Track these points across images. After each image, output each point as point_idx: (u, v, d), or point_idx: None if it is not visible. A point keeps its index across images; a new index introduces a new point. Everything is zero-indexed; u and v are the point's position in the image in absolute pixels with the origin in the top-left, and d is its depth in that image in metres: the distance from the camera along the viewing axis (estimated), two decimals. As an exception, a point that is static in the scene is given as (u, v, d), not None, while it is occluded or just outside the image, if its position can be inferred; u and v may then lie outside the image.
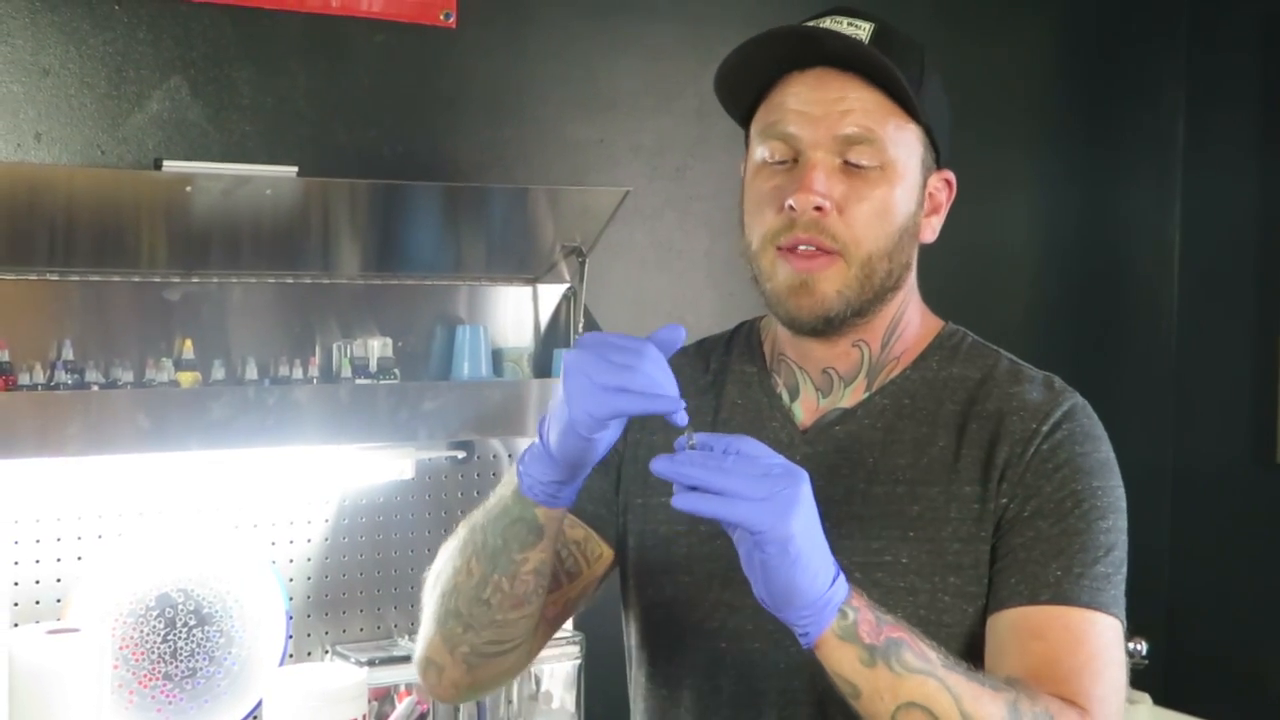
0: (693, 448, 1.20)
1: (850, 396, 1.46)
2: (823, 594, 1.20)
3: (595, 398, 1.21)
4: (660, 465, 1.18)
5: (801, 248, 1.37)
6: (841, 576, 1.22)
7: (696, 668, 1.45)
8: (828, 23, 1.40)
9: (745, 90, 1.43)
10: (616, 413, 1.21)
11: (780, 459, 1.20)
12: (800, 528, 1.17)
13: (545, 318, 2.71)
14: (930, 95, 1.41)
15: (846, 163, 1.37)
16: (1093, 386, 1.52)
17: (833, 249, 1.37)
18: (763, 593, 1.20)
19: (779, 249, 1.38)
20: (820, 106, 1.37)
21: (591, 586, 1.53)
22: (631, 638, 1.55)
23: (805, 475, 1.19)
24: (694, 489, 1.17)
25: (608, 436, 1.25)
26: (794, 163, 1.39)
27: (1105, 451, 1.41)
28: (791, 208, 1.36)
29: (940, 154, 1.45)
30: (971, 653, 1.36)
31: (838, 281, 1.38)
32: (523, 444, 2.65)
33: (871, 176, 1.38)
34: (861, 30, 1.39)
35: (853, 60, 1.37)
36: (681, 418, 1.20)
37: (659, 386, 1.20)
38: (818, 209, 1.36)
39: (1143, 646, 2.85)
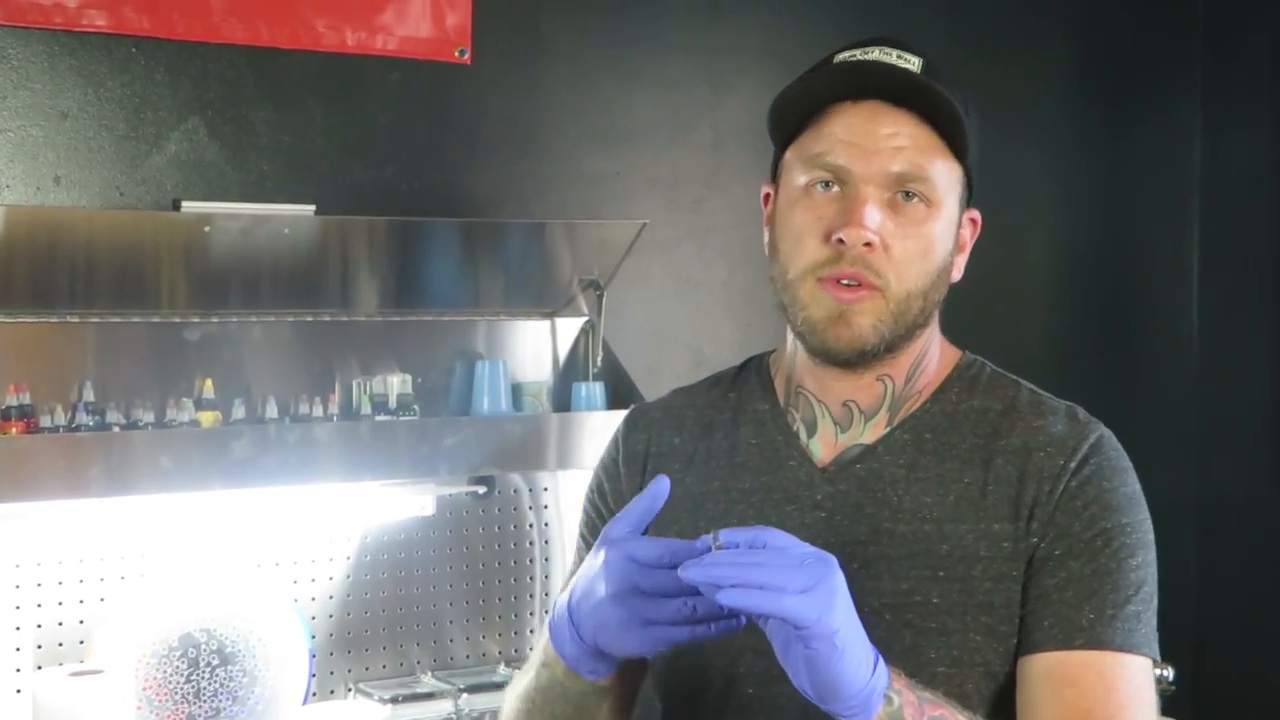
0: (719, 548, 1.17)
1: (871, 432, 1.44)
2: (867, 682, 1.18)
3: (640, 642, 1.22)
4: (692, 572, 1.15)
5: (845, 281, 1.35)
6: (881, 661, 1.21)
7: (724, 715, 1.43)
8: (876, 53, 1.37)
9: (792, 116, 1.40)
10: (670, 641, 1.22)
11: (810, 548, 1.18)
12: (843, 619, 1.16)
13: (564, 351, 2.71)
14: (972, 134, 1.39)
15: (895, 198, 1.35)
16: (1113, 413, 1.50)
17: (875, 284, 1.35)
18: (806, 686, 1.18)
19: (820, 279, 1.36)
20: (872, 140, 1.34)
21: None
22: (657, 686, 1.53)
23: (835, 561, 1.18)
24: (733, 587, 1.14)
25: None
26: (839, 192, 1.36)
27: (1132, 484, 1.40)
28: (841, 241, 1.34)
29: (972, 192, 1.43)
30: (1002, 691, 1.36)
31: (875, 315, 1.36)
32: (543, 478, 2.66)
33: (919, 214, 1.36)
34: (911, 64, 1.36)
35: (913, 95, 1.35)
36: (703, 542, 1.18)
37: (663, 573, 1.19)
38: (866, 244, 1.34)
39: (1170, 673, 2.83)
